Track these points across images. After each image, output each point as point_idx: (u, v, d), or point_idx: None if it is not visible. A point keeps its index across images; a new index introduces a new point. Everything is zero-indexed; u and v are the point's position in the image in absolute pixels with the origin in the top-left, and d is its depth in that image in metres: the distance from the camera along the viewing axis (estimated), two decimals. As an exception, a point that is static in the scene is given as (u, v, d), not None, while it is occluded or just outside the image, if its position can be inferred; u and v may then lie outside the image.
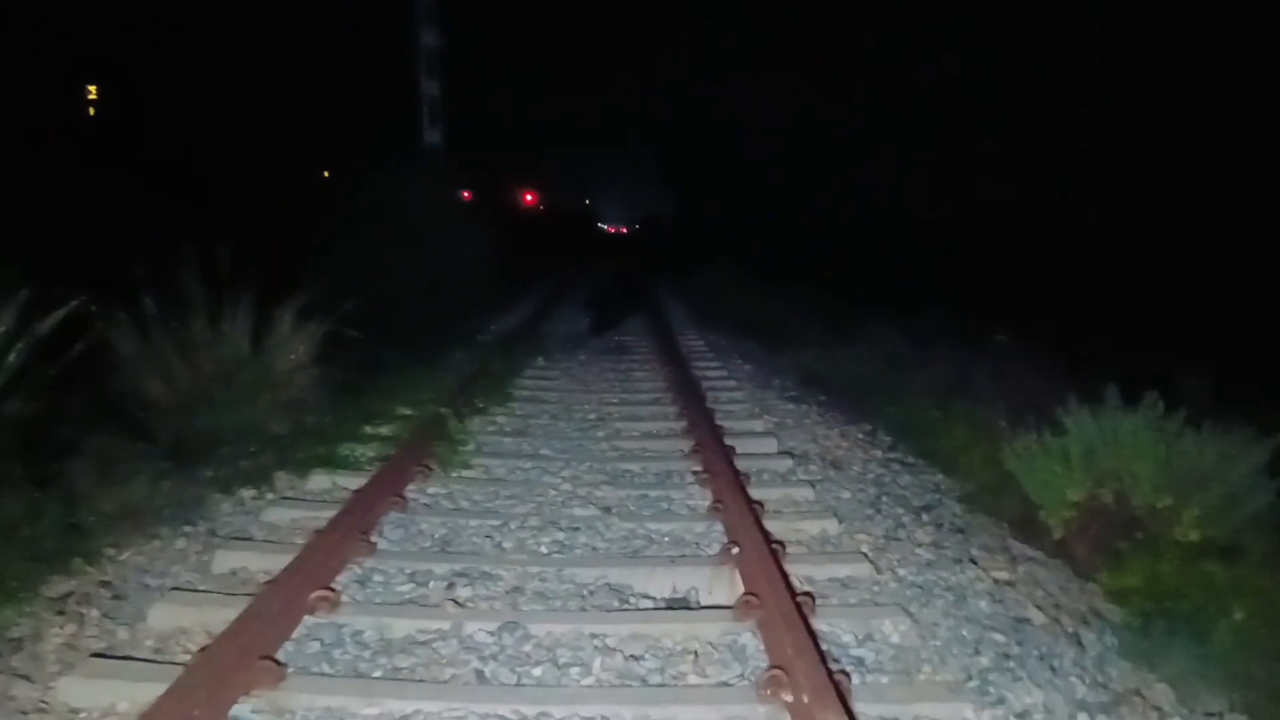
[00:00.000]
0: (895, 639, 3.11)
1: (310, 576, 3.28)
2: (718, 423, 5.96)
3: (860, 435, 6.48)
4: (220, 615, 3.04)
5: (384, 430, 5.70)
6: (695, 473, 4.93)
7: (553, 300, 15.93)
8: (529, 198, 43.09)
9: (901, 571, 3.72)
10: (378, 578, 3.45)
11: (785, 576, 3.38)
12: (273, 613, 3.01)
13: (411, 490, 4.48)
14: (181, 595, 3.32)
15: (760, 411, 6.62)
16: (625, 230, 61.75)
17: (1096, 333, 8.86)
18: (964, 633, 3.21)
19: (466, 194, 23.88)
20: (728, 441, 5.42)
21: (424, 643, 3.00)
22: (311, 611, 3.09)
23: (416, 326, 9.90)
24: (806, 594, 3.25)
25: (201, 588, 3.46)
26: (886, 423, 6.84)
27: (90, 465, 4.95)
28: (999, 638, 3.20)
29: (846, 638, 3.09)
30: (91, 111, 24.64)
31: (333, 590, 3.20)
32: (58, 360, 4.89)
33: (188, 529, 4.19)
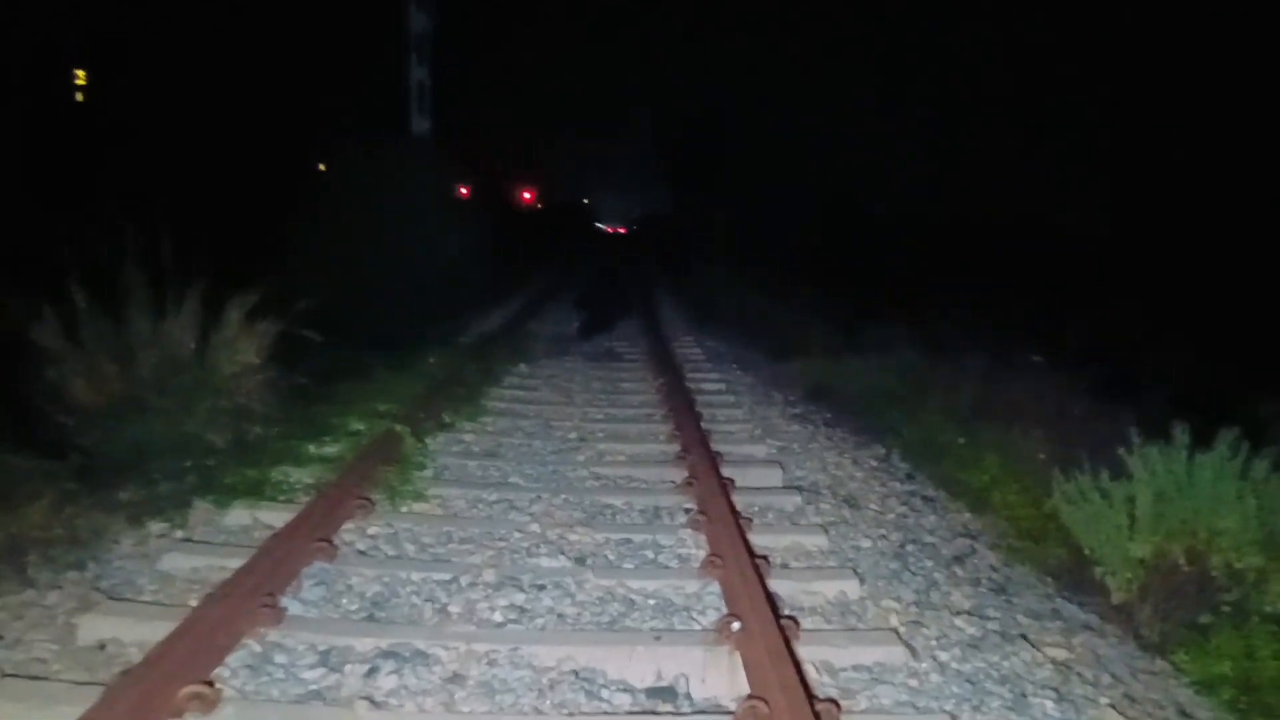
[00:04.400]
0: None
1: (189, 658, 2.54)
2: (714, 446, 5.22)
3: (874, 462, 5.77)
4: (61, 717, 2.31)
5: (329, 449, 4.94)
6: (688, 510, 4.21)
7: (543, 299, 15.17)
8: (527, 195, 42.32)
9: (943, 656, 2.99)
10: (279, 658, 2.70)
11: (799, 666, 2.65)
12: (128, 713, 2.28)
13: (347, 531, 3.73)
14: (17, 686, 2.57)
15: (762, 434, 5.88)
16: (624, 230, 60.88)
17: (1132, 343, 8.12)
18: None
19: (465, 189, 23.09)
20: (726, 472, 4.68)
21: (324, 762, 2.27)
22: (179, 715, 2.35)
23: (394, 326, 9.19)
24: (830, 700, 2.50)
25: (53, 668, 2.71)
26: (902, 445, 6.14)
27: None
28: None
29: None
30: (80, 97, 23.90)
31: (211, 685, 2.46)
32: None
33: (71, 575, 3.46)
